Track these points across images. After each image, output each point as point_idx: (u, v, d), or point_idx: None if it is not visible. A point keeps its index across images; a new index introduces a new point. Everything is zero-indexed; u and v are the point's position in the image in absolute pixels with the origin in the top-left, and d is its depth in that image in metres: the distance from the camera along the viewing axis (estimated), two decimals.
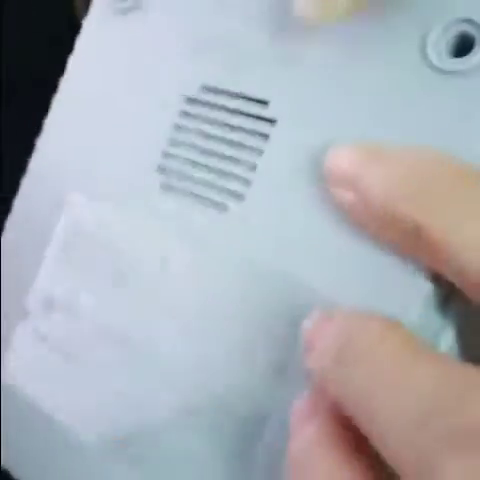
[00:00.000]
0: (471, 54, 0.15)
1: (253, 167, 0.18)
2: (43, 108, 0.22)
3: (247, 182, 0.18)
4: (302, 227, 0.17)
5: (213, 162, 0.19)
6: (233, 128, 0.19)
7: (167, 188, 0.20)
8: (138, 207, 0.20)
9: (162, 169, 0.20)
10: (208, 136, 0.19)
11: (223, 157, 0.19)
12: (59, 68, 0.22)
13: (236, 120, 0.19)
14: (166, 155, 0.20)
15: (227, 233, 0.18)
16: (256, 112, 0.18)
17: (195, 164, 0.19)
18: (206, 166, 0.19)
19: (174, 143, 0.20)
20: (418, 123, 0.16)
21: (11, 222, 0.23)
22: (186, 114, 0.20)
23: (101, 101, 0.21)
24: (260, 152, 0.18)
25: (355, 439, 0.13)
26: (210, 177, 0.19)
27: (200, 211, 0.19)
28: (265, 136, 0.18)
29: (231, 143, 0.19)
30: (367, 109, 0.16)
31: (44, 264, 0.21)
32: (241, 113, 0.19)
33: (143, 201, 0.20)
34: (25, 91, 0.33)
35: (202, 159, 0.19)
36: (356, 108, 0.17)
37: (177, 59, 0.20)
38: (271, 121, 0.18)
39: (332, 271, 0.16)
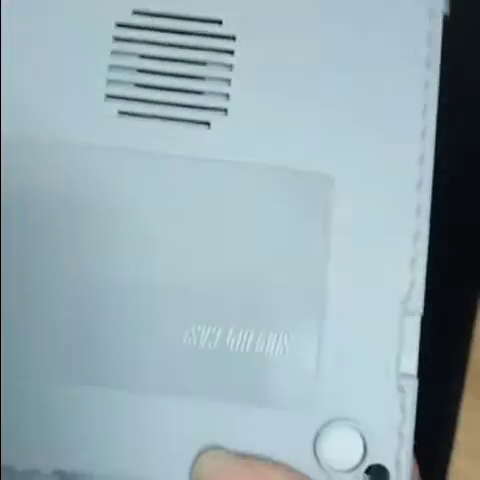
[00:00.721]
0: None
1: (228, 81, 0.18)
2: None
3: (226, 96, 0.18)
4: (294, 119, 0.18)
5: (178, 83, 0.18)
6: (195, 49, 0.18)
7: (125, 115, 0.18)
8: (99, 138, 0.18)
9: (117, 97, 0.18)
10: (171, 59, 0.18)
11: (191, 77, 0.18)
12: None
13: (196, 41, 0.19)
14: (128, 83, 0.18)
15: (218, 147, 0.18)
16: (214, 31, 0.19)
17: (163, 88, 0.18)
18: (175, 89, 0.18)
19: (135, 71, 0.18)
20: None
21: None
22: (146, 42, 0.18)
23: (37, 41, 0.18)
24: (230, 67, 0.18)
25: None
26: (179, 98, 0.18)
27: (182, 132, 0.18)
28: (230, 52, 0.19)
29: (197, 63, 0.18)
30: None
31: None
32: (197, 34, 0.19)
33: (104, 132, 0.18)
34: None
35: (163, 81, 0.18)
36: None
37: None
38: (231, 37, 0.19)
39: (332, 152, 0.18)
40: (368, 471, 0.17)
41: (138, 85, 0.18)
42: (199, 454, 0.16)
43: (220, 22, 0.19)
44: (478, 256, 0.30)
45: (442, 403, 0.28)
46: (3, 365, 0.17)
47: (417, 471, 0.19)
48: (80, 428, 0.17)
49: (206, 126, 0.18)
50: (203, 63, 0.18)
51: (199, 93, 0.18)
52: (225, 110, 0.18)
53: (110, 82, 0.18)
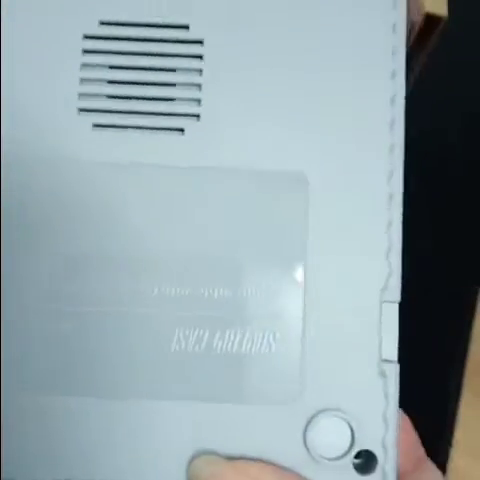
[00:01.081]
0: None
1: (198, 86, 0.19)
2: None
3: (197, 101, 0.19)
4: (265, 119, 0.18)
5: (150, 92, 0.19)
6: (164, 56, 0.19)
7: (99, 128, 0.18)
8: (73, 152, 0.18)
9: (90, 110, 0.18)
10: (141, 68, 0.19)
11: (161, 84, 0.19)
12: None
13: (164, 48, 0.19)
14: (95, 95, 0.18)
15: (193, 152, 0.18)
16: (181, 37, 0.19)
17: (134, 98, 0.18)
18: (147, 98, 0.19)
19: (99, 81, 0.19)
20: None
21: None
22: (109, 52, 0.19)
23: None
24: (200, 72, 0.19)
25: None
26: (152, 106, 0.18)
27: (156, 140, 0.18)
28: (199, 57, 0.19)
29: (166, 70, 0.19)
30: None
31: None
32: (165, 41, 0.19)
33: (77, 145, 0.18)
34: None
35: (135, 91, 0.19)
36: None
37: None
38: (198, 42, 0.19)
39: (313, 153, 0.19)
40: (357, 457, 0.17)
41: (110, 96, 0.19)
42: (193, 458, 0.17)
43: (187, 27, 0.19)
44: (477, 254, 0.30)
45: (441, 401, 0.28)
46: (3, 378, 0.17)
47: (408, 424, 0.19)
48: (77, 438, 0.17)
49: (180, 132, 0.18)
50: (173, 70, 0.19)
51: (171, 100, 0.19)
52: (197, 115, 0.18)
53: (82, 96, 0.18)
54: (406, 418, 0.19)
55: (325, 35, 0.19)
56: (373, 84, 0.19)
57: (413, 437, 0.19)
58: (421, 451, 0.19)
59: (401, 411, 0.18)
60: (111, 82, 0.19)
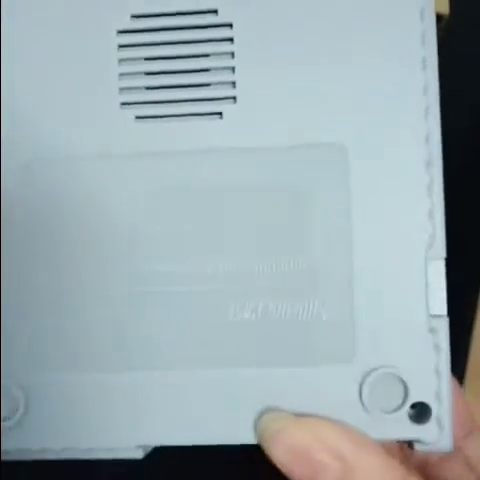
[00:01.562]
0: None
1: (232, 69, 0.19)
2: None
3: (232, 84, 0.19)
4: (300, 95, 0.19)
5: (186, 80, 0.19)
6: (196, 42, 0.19)
7: (142, 120, 0.19)
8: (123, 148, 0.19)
9: (131, 103, 0.19)
10: (175, 57, 0.19)
11: (196, 71, 0.19)
12: None
13: (195, 34, 0.19)
14: (135, 89, 0.19)
15: (233, 134, 0.19)
16: (211, 22, 0.19)
17: (172, 87, 0.19)
18: (184, 85, 0.19)
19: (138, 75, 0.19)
20: None
21: None
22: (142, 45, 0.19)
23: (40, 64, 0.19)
24: (232, 55, 0.19)
25: None
26: (189, 94, 0.19)
27: (196, 127, 0.19)
28: (230, 39, 0.19)
29: (199, 56, 0.19)
30: None
31: None
32: (195, 27, 0.19)
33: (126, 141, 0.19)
34: None
35: (172, 80, 0.19)
36: None
37: None
38: (228, 25, 0.19)
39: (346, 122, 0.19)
40: (412, 408, 0.19)
41: (149, 88, 0.19)
42: (261, 415, 0.19)
43: (215, 11, 0.19)
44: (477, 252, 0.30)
45: None
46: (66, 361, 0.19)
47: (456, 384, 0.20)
48: (155, 406, 0.19)
49: (218, 116, 0.19)
50: (206, 55, 0.19)
51: (207, 85, 0.19)
52: (234, 98, 0.19)
53: (122, 90, 0.19)
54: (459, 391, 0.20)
55: (356, 13, 0.19)
56: (403, 45, 0.19)
57: (463, 406, 0.20)
58: (473, 421, 0.20)
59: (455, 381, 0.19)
60: (148, 74, 0.19)
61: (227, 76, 0.19)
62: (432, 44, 0.19)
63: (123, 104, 0.19)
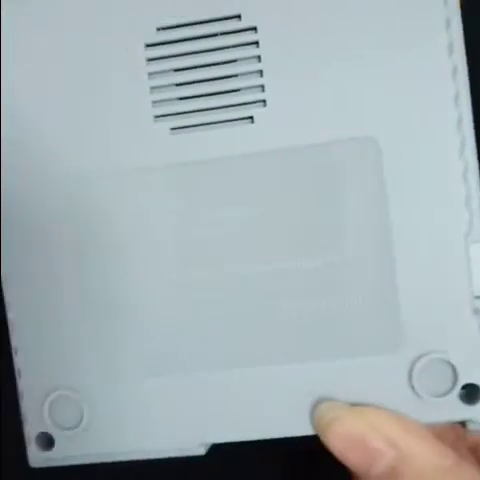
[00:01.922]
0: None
1: (259, 72, 0.20)
2: None
3: (261, 87, 0.20)
4: (329, 92, 0.19)
5: (216, 87, 0.20)
6: (222, 49, 0.20)
7: (177, 131, 0.20)
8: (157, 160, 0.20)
9: (165, 115, 0.20)
10: (203, 65, 0.20)
11: (225, 77, 0.20)
12: None
13: (221, 41, 0.20)
14: (163, 102, 0.20)
15: (266, 137, 0.19)
16: (235, 27, 0.20)
17: (203, 96, 0.20)
18: (210, 94, 0.20)
19: (163, 88, 0.20)
20: None
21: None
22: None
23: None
24: (258, 58, 0.20)
25: None
26: (220, 101, 0.20)
27: (228, 133, 0.20)
28: (255, 43, 0.20)
29: (227, 62, 0.20)
30: None
31: None
32: (220, 34, 0.20)
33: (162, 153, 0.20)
34: None
35: (202, 89, 0.20)
36: None
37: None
38: (252, 29, 0.20)
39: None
40: (462, 389, 0.19)
41: (180, 98, 0.20)
42: (316, 404, 0.19)
43: (239, 17, 0.20)
44: None
45: None
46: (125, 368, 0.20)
47: None
48: (216, 405, 0.20)
49: (250, 121, 0.20)
50: (233, 61, 0.20)
51: (236, 91, 0.20)
52: (263, 101, 0.19)
53: (155, 103, 0.20)
54: None
55: (380, 5, 0.19)
56: (428, 31, 0.19)
57: None
58: None
59: None
60: (179, 85, 0.20)
61: (255, 80, 0.20)
62: (458, 28, 0.19)
63: (157, 117, 0.20)
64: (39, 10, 0.20)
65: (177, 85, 0.20)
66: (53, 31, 0.20)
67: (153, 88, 0.20)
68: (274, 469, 0.29)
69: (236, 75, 0.20)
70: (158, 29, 0.20)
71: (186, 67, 0.20)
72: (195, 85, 0.20)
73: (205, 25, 0.20)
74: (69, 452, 0.21)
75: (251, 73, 0.20)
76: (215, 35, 0.20)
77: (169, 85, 0.20)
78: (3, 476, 0.28)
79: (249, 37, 0.20)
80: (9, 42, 0.20)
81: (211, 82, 0.20)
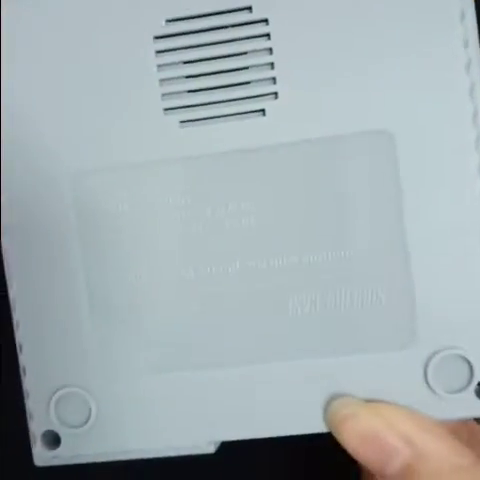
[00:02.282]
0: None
1: (271, 65, 0.19)
2: None
3: (272, 80, 0.19)
4: (341, 85, 0.19)
5: (226, 80, 0.19)
6: (232, 41, 0.19)
7: (186, 124, 0.19)
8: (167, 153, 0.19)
9: (175, 108, 0.19)
10: (213, 58, 0.19)
11: (235, 70, 0.19)
12: None
13: (231, 33, 0.19)
14: (174, 94, 0.20)
15: (278, 130, 0.19)
16: (246, 19, 0.19)
17: (213, 88, 0.19)
18: (225, 86, 0.19)
19: (174, 80, 0.20)
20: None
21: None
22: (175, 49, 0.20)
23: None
24: (270, 51, 0.19)
25: None
26: (230, 94, 0.19)
27: (240, 126, 0.19)
28: (266, 35, 0.19)
29: (238, 55, 0.19)
30: None
31: None
32: (231, 26, 0.19)
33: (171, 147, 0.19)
34: None
35: (212, 81, 0.19)
36: None
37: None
38: (263, 21, 0.19)
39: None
40: (478, 385, 0.19)
41: (190, 91, 0.19)
42: (329, 401, 0.19)
43: (250, 8, 0.19)
44: None
45: None
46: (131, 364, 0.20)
47: None
48: (226, 403, 0.20)
49: (261, 113, 0.19)
50: (244, 53, 0.19)
51: (247, 83, 0.19)
52: (275, 93, 0.19)
53: (164, 96, 0.19)
54: None
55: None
56: (443, 23, 0.19)
57: None
58: None
59: None
60: (188, 77, 0.20)
61: (267, 72, 0.19)
62: (472, 21, 0.19)
63: (166, 110, 0.19)
64: (41, 4, 0.19)
65: (187, 77, 0.20)
66: (57, 25, 0.19)
67: (162, 80, 0.19)
68: (284, 467, 0.28)
69: (247, 67, 0.19)
70: (167, 21, 0.19)
71: (196, 59, 0.19)
72: (205, 77, 0.19)
73: (215, 17, 0.19)
74: (75, 451, 0.20)
75: (262, 65, 0.19)
76: (225, 27, 0.19)
77: (178, 77, 0.19)
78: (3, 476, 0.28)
79: (261, 29, 0.19)
80: (10, 37, 0.19)
81: (221, 74, 0.19)
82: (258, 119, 0.19)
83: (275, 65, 0.19)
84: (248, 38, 0.19)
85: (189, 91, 0.20)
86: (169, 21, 0.19)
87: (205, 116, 0.19)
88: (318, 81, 0.19)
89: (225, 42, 0.19)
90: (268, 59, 0.19)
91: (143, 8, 0.19)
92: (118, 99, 0.19)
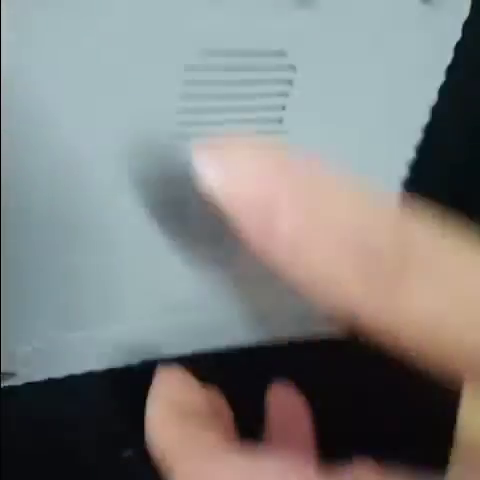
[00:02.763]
0: None
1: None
2: None
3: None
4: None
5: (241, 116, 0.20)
6: (253, 82, 0.20)
7: None
8: None
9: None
10: (237, 95, 0.20)
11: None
12: None
13: (259, 75, 0.19)
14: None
15: None
16: (275, 63, 0.19)
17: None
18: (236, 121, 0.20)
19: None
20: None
21: None
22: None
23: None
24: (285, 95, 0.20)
25: None
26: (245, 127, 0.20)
27: None
28: (289, 82, 0.20)
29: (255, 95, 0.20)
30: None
31: None
32: (259, 68, 0.19)
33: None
34: None
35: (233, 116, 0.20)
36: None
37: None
38: (292, 68, 0.20)
39: None
40: None
41: (209, 123, 0.20)
42: None
43: (284, 54, 0.19)
44: None
45: (441, 405, 0.27)
46: None
47: None
48: None
49: None
50: (262, 94, 0.20)
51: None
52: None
53: (182, 124, 0.19)
54: None
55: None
56: None
57: None
58: None
59: None
60: (209, 110, 0.20)
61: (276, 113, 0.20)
62: None
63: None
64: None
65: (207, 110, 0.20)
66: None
67: (182, 108, 0.19)
68: None
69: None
70: (202, 52, 0.18)
71: (220, 95, 0.19)
72: (224, 113, 0.20)
73: (249, 57, 0.19)
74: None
75: (273, 108, 0.20)
76: (255, 68, 0.19)
77: (200, 109, 0.19)
78: None
79: (288, 75, 0.20)
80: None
81: (236, 112, 0.20)
82: None
83: (286, 108, 0.20)
84: (273, 81, 0.20)
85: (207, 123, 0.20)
86: (203, 53, 0.18)
87: None
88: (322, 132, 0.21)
89: (250, 82, 0.19)
90: (282, 102, 0.20)
91: (181, 34, 0.18)
92: (137, 120, 0.19)
